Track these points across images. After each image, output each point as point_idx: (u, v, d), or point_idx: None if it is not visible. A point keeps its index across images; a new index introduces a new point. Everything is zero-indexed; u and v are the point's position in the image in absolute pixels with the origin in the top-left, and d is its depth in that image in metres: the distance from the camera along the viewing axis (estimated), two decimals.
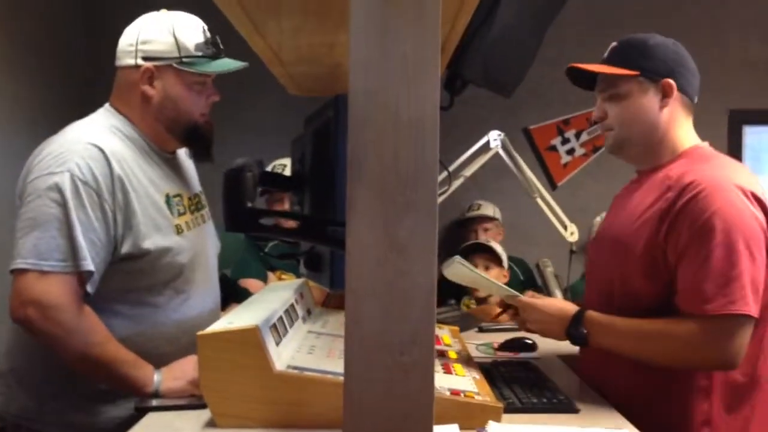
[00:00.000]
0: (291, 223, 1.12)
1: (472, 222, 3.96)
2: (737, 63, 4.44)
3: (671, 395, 1.52)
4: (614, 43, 1.66)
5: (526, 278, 3.75)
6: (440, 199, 2.99)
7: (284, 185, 1.40)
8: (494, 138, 3.15)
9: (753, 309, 1.41)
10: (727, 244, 1.41)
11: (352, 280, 0.79)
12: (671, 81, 1.57)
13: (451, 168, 3.01)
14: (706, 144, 1.66)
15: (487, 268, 3.29)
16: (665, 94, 1.57)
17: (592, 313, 1.54)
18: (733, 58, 4.45)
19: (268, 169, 3.02)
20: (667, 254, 1.48)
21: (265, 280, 3.07)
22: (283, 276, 3.10)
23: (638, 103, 1.57)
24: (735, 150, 4.37)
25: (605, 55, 1.66)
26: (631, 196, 1.64)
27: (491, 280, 1.76)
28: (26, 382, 1.65)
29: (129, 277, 1.61)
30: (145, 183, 1.65)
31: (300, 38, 1.37)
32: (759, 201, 1.48)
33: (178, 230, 1.68)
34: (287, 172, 3.04)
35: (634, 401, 1.51)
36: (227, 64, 1.71)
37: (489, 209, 3.97)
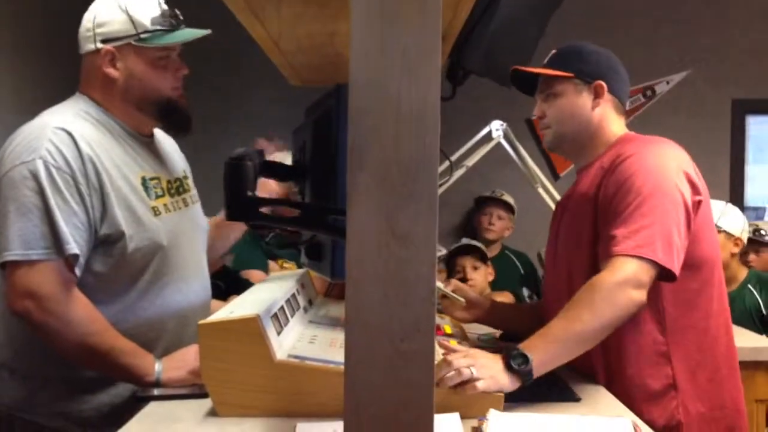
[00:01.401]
0: (292, 212, 1.12)
1: (491, 203, 3.95)
2: (740, 52, 4.43)
3: (633, 363, 1.58)
4: (553, 51, 1.79)
5: (526, 271, 3.75)
6: (442, 189, 2.99)
7: (284, 175, 1.40)
8: (496, 128, 3.15)
9: (662, 258, 1.46)
10: (644, 198, 1.50)
11: (352, 268, 0.79)
12: (603, 83, 1.69)
13: (453, 158, 3.01)
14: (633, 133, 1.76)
15: (475, 268, 3.32)
16: (597, 95, 1.69)
17: (526, 340, 1.46)
18: (737, 47, 4.43)
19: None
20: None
21: (266, 270, 3.08)
22: (285, 264, 3.10)
23: (572, 102, 1.70)
24: (738, 140, 4.36)
25: (545, 60, 1.78)
26: (572, 197, 1.76)
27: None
28: (16, 373, 1.64)
29: (109, 261, 1.59)
30: (119, 164, 1.63)
31: (300, 26, 1.37)
32: (687, 177, 1.57)
33: (156, 212, 1.66)
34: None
35: (602, 377, 1.60)
36: (188, 32, 1.67)
37: (510, 200, 3.98)
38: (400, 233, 0.79)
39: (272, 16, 1.32)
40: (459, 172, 3.11)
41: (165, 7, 1.68)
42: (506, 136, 3.16)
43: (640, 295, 1.45)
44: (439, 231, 0.80)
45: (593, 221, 1.61)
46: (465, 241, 3.51)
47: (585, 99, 1.70)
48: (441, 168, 2.96)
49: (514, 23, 2.07)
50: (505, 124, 3.15)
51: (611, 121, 1.72)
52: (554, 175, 4.16)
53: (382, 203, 0.79)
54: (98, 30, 1.64)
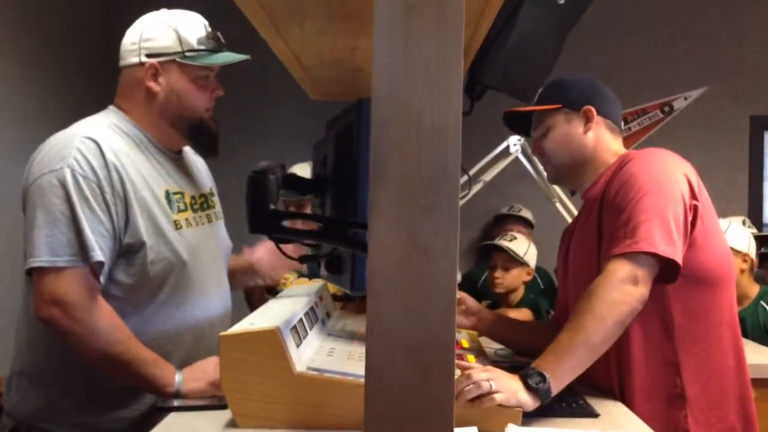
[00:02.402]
0: (313, 226, 1.13)
1: (510, 221, 3.95)
2: (758, 69, 4.41)
3: (644, 372, 1.58)
4: (540, 89, 1.86)
5: (546, 285, 3.74)
6: (461, 203, 3.00)
7: (305, 188, 1.41)
8: (514, 143, 3.16)
9: (662, 249, 1.46)
10: (644, 194, 1.52)
11: (374, 280, 0.80)
12: (590, 107, 1.73)
13: (471, 172, 3.02)
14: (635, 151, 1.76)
15: (506, 269, 3.28)
16: (587, 119, 1.73)
17: (537, 360, 1.45)
18: (755, 64, 4.42)
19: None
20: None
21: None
22: (285, 275, 3.10)
23: (565, 131, 1.74)
24: (757, 156, 4.33)
25: (534, 101, 1.86)
26: (578, 220, 1.82)
27: None
28: (37, 383, 1.66)
29: (130, 271, 1.62)
30: (144, 175, 1.66)
31: (322, 42, 1.39)
32: (688, 180, 1.58)
33: (177, 225, 1.69)
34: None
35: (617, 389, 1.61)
36: (230, 56, 1.73)
37: (529, 215, 3.97)
38: (421, 246, 0.80)
39: (295, 31, 1.34)
40: (477, 187, 3.12)
41: (210, 29, 1.74)
42: (524, 151, 3.16)
43: (640, 290, 1.45)
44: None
45: (600, 233, 1.62)
46: (507, 237, 3.36)
47: (576, 126, 1.73)
48: (460, 182, 2.97)
49: (531, 40, 2.07)
50: (522, 139, 3.15)
51: (607, 142, 1.75)
52: (572, 191, 4.14)
53: (404, 216, 0.79)
54: (144, 44, 1.68)
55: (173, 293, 1.68)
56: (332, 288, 1.95)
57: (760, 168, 4.41)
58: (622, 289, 1.44)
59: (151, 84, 1.69)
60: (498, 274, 3.27)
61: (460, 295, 1.97)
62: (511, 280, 3.31)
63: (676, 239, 1.49)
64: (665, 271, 1.50)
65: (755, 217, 4.12)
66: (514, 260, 3.26)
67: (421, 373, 0.81)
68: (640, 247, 1.46)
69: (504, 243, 3.29)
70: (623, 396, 1.59)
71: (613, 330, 1.44)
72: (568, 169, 1.77)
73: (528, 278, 3.36)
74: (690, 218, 1.55)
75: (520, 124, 1.87)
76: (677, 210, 1.52)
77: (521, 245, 3.32)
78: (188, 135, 1.76)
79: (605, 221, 1.60)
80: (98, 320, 1.54)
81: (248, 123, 4.31)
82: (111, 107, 1.75)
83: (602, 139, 1.74)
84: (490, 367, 1.45)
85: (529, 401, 1.34)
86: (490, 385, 1.32)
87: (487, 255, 3.44)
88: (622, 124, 1.84)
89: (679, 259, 1.49)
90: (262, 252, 2.02)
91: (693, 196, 1.57)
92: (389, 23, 0.77)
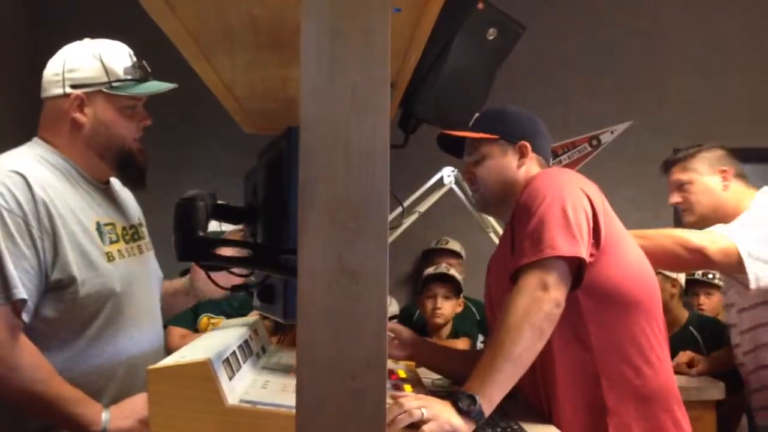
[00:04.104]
0: (244, 253, 1.12)
1: (439, 254, 4.00)
2: (679, 104, 4.61)
3: (568, 385, 1.57)
4: (477, 114, 1.88)
5: (482, 318, 3.77)
6: (395, 235, 3.01)
7: (236, 217, 1.41)
8: (448, 174, 3.20)
9: (565, 249, 1.46)
10: (540, 205, 1.53)
11: (304, 305, 0.80)
12: (526, 143, 1.75)
13: (406, 204, 3.04)
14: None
15: (446, 298, 3.33)
16: (522, 154, 1.75)
17: (465, 382, 1.45)
18: (676, 99, 4.61)
19: None
20: None
21: (195, 327, 3.05)
22: (213, 320, 3.07)
23: (498, 163, 1.76)
24: None
25: (470, 124, 1.85)
26: (498, 248, 1.82)
27: None
28: None
29: (59, 307, 1.57)
30: (74, 208, 1.62)
31: (253, 72, 1.39)
32: (586, 195, 1.58)
33: (109, 258, 1.65)
34: None
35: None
36: (156, 85, 1.71)
37: (456, 246, 4.02)
38: (350, 270, 0.80)
39: (225, 62, 1.35)
40: (411, 218, 3.14)
41: (135, 58, 1.72)
42: (457, 182, 3.20)
43: (551, 294, 1.45)
44: (393, 278, 0.81)
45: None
46: (443, 268, 3.50)
47: (510, 159, 1.75)
48: (394, 214, 3.00)
49: (462, 74, 2.12)
50: (456, 170, 3.20)
51: None
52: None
53: (333, 240, 0.80)
54: (69, 75, 1.65)
55: (105, 326, 1.63)
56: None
57: None
58: (532, 296, 1.44)
59: (77, 115, 1.66)
60: (440, 304, 3.31)
61: (394, 326, 1.98)
62: (450, 310, 3.37)
63: (579, 238, 1.49)
64: (579, 274, 1.51)
65: None
66: (452, 291, 3.31)
67: (353, 397, 0.81)
68: (544, 254, 1.47)
69: (451, 272, 3.36)
70: (550, 409, 1.60)
71: (532, 338, 1.43)
72: (496, 199, 1.79)
73: (460, 309, 3.41)
74: (592, 225, 1.55)
75: (453, 145, 1.88)
76: (578, 215, 1.52)
77: (458, 276, 3.39)
78: (116, 166, 1.73)
79: (515, 237, 1.61)
80: (19, 358, 1.48)
81: (179, 157, 4.26)
82: (35, 139, 1.71)
83: (531, 174, 1.75)
84: (421, 395, 1.44)
85: (462, 425, 1.33)
86: (422, 413, 1.31)
87: (423, 288, 3.46)
88: (551, 159, 1.87)
89: (585, 256, 1.49)
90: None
91: (592, 206, 1.58)
92: (316, 48, 0.79)
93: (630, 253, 1.67)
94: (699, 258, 2.08)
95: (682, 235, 2.09)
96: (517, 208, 1.63)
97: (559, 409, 1.58)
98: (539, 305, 1.44)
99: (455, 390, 1.81)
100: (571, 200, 1.54)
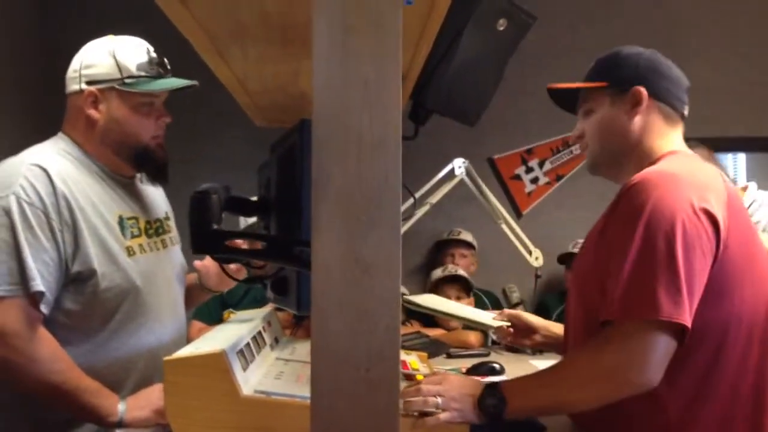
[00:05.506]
0: (257, 245, 1.13)
1: (451, 245, 3.99)
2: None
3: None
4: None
5: (494, 308, 3.78)
6: (406, 225, 3.02)
7: (250, 209, 1.42)
8: (459, 165, 3.20)
9: (667, 312, 1.21)
10: (648, 240, 1.25)
11: (317, 297, 0.81)
12: (641, 88, 1.47)
13: (417, 195, 3.05)
14: (686, 149, 1.49)
15: (458, 298, 3.34)
16: (635, 102, 1.48)
17: (508, 381, 1.38)
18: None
19: None
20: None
21: (219, 320, 3.06)
22: (233, 315, 3.08)
23: (607, 115, 1.50)
24: None
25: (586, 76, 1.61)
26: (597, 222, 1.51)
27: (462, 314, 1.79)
28: None
29: (81, 299, 1.59)
30: (96, 202, 1.64)
31: (265, 66, 1.40)
32: (708, 214, 1.28)
33: (130, 252, 1.67)
34: None
35: None
36: (173, 82, 1.71)
37: (469, 237, 4.02)
38: (363, 261, 0.81)
39: (237, 56, 1.35)
40: (423, 210, 3.15)
41: (153, 54, 1.72)
42: (468, 174, 3.21)
43: (645, 378, 1.23)
44: (405, 269, 0.82)
45: (597, 258, 1.38)
46: (451, 269, 3.52)
47: (620, 109, 1.49)
48: (405, 205, 3.01)
49: (473, 65, 2.12)
50: (467, 162, 3.21)
51: (656, 134, 1.48)
52: (518, 214, 4.22)
53: (346, 232, 0.80)
54: (84, 72, 1.67)
55: (126, 320, 1.65)
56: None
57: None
58: (623, 376, 1.24)
59: (91, 111, 1.68)
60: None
61: (513, 314, 1.82)
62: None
63: (685, 296, 1.22)
64: (677, 333, 1.25)
65: None
66: (463, 290, 3.36)
67: (367, 388, 0.82)
68: (643, 314, 1.22)
69: (459, 272, 3.48)
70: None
71: (595, 406, 1.29)
72: (606, 158, 1.53)
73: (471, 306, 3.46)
74: (712, 259, 1.27)
75: (567, 100, 1.64)
76: (690, 255, 1.24)
77: (465, 274, 3.50)
78: (133, 162, 1.74)
79: (609, 260, 1.31)
80: (38, 350, 1.50)
81: (193, 152, 4.28)
82: (60, 134, 1.74)
83: (650, 129, 1.47)
84: (447, 375, 1.39)
85: (474, 419, 1.31)
86: (438, 403, 1.30)
87: (434, 290, 3.48)
88: (686, 109, 1.53)
89: (688, 321, 1.22)
90: (209, 261, 1.99)
91: (716, 231, 1.27)
92: (328, 43, 0.79)
93: (742, 270, 1.32)
94: None
95: None
96: (619, 203, 1.34)
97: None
98: (622, 389, 1.25)
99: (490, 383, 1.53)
100: (682, 233, 1.24)
